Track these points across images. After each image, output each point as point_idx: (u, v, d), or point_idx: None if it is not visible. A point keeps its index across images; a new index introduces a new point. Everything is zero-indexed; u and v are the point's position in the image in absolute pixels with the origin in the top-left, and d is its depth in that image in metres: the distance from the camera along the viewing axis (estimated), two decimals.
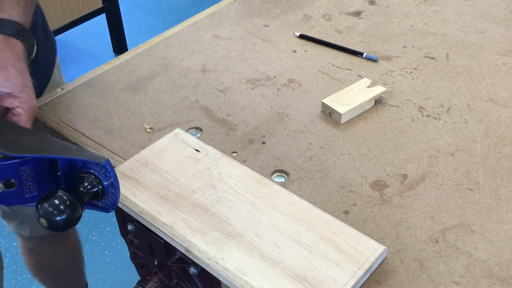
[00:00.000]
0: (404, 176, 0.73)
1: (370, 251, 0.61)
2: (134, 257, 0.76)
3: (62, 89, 0.89)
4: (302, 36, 1.01)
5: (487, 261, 0.62)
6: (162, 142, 0.75)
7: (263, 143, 0.78)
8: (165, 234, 0.64)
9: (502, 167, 0.74)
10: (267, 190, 0.68)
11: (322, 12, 1.08)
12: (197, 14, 1.09)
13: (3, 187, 0.61)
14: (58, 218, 0.56)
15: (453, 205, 0.69)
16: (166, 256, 0.69)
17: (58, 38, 0.80)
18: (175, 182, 0.69)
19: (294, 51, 0.98)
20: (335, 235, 0.62)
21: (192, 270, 0.67)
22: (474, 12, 1.07)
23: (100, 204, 0.63)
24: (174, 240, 0.63)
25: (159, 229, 0.64)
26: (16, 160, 0.60)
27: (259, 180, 0.69)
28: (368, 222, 0.67)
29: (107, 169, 0.60)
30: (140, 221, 0.67)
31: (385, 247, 0.62)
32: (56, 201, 0.56)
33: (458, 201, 0.69)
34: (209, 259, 0.61)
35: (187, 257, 0.67)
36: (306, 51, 0.98)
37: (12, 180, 0.61)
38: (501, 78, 0.90)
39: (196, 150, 0.73)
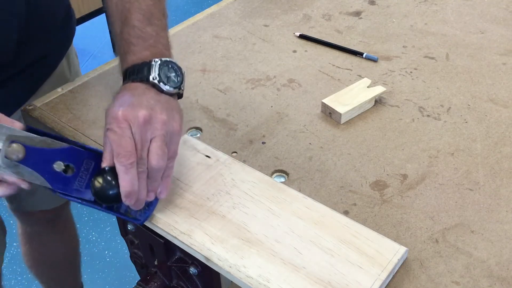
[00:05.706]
0: (404, 176, 0.73)
1: (392, 252, 0.60)
2: (134, 257, 0.76)
3: (62, 89, 0.89)
4: (302, 36, 1.01)
5: (487, 261, 0.62)
6: None
7: (263, 143, 0.78)
8: (183, 243, 0.62)
9: (502, 167, 0.73)
10: (282, 194, 0.67)
11: (322, 12, 1.08)
12: (197, 14, 1.09)
13: (62, 168, 0.62)
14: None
15: (453, 205, 0.68)
16: (166, 256, 0.69)
17: None
18: (188, 190, 0.68)
19: (294, 51, 0.98)
20: (355, 238, 0.62)
21: (192, 270, 0.67)
22: (474, 12, 1.07)
23: (132, 214, 0.64)
24: (193, 249, 0.62)
25: (176, 238, 0.63)
26: (85, 150, 0.64)
27: (273, 184, 0.68)
28: (368, 222, 0.67)
29: None
30: (155, 230, 0.65)
31: (406, 248, 0.61)
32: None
33: (458, 201, 0.69)
34: (230, 267, 0.59)
35: (187, 257, 0.67)
36: (306, 51, 0.98)
37: (72, 166, 0.63)
38: (501, 78, 0.90)
39: (207, 156, 0.72)
